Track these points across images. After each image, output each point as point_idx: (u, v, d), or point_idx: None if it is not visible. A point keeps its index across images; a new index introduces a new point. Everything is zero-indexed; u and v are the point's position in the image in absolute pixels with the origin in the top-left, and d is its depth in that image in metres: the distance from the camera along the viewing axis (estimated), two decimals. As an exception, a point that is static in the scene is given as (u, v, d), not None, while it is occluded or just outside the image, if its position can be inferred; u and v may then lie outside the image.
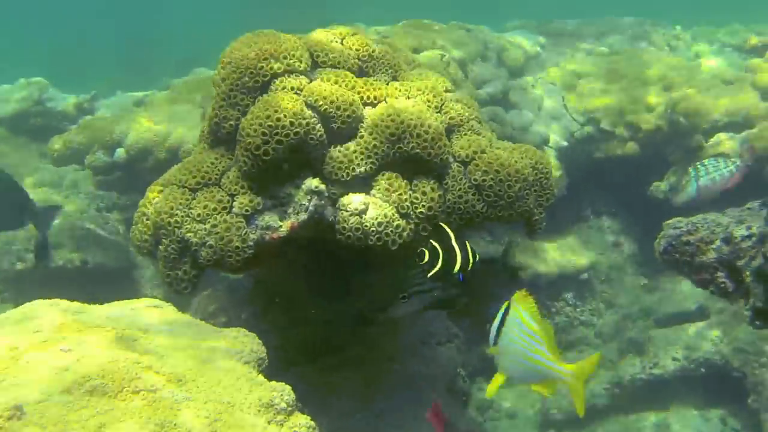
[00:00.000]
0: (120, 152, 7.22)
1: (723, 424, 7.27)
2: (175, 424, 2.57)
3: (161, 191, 4.33)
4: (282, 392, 2.93)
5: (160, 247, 4.27)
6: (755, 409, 6.75)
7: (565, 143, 8.44)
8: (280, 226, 4.13)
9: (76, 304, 3.51)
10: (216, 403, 2.75)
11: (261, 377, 3.10)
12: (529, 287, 3.54)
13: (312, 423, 2.96)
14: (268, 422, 2.80)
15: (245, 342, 3.28)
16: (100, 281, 7.09)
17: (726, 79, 8.42)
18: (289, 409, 2.92)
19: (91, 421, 2.48)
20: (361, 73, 4.59)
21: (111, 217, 7.95)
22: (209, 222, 4.07)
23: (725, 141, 7.76)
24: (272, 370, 4.34)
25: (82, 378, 2.68)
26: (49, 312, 3.34)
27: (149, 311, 3.47)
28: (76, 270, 7.27)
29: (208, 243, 4.06)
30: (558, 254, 8.26)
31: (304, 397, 4.85)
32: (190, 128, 7.01)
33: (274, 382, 3.02)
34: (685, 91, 8.26)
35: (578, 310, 8.36)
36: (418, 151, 4.18)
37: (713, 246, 4.13)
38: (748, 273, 3.90)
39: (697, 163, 4.10)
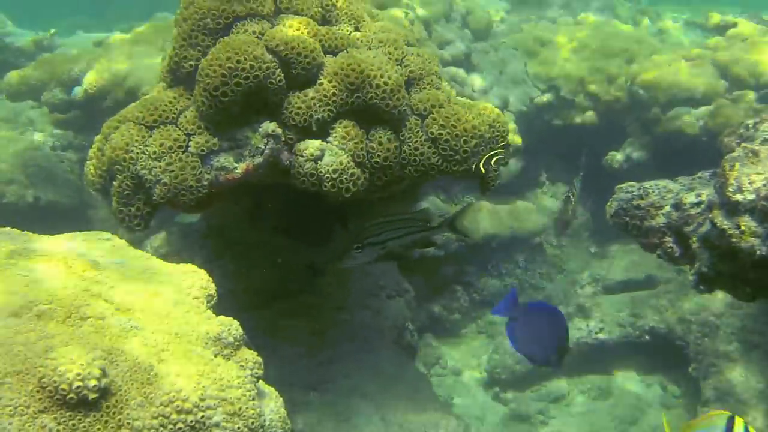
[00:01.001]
0: (78, 90, 7.15)
1: (663, 389, 7.41)
2: (122, 352, 2.59)
3: (117, 127, 4.31)
4: (230, 327, 2.96)
5: (114, 183, 4.25)
6: (695, 377, 6.88)
7: (525, 108, 8.49)
8: (236, 168, 4.13)
9: (27, 234, 3.50)
10: (164, 333, 2.77)
11: (210, 312, 3.12)
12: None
13: (259, 359, 2.99)
14: (215, 355, 2.82)
15: (195, 278, 3.29)
16: (52, 219, 7.02)
17: (687, 56, 8.48)
18: (237, 343, 2.95)
19: (38, 344, 2.50)
20: (323, 21, 4.58)
21: (66, 155, 7.89)
22: (164, 160, 4.07)
23: (683, 115, 7.84)
24: (222, 313, 4.37)
25: (30, 303, 2.69)
26: (-1, 239, 3.33)
27: (101, 243, 3.47)
28: (28, 206, 7.21)
29: (162, 180, 4.06)
30: (511, 217, 8.31)
31: (252, 342, 4.90)
32: (150, 70, 6.95)
33: (222, 317, 3.04)
34: (646, 64, 8.33)
35: (529, 273, 8.44)
36: (376, 101, 4.19)
37: (663, 211, 4.20)
38: (695, 239, 3.97)
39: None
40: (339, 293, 5.58)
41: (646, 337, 7.45)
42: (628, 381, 7.56)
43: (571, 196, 4.53)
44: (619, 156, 8.21)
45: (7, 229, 3.53)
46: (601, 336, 7.57)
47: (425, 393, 5.34)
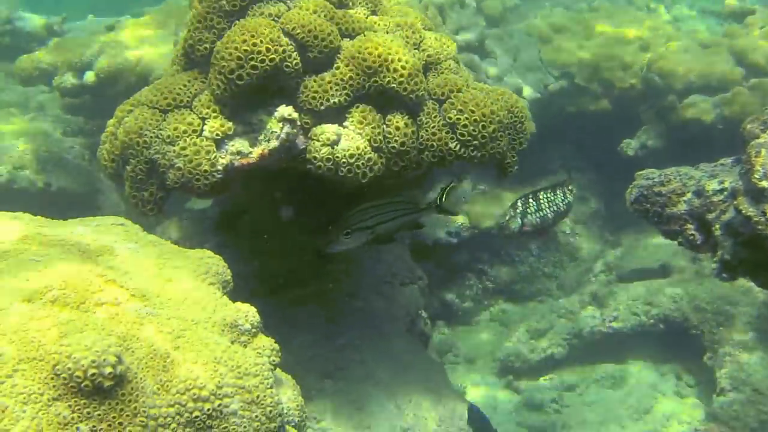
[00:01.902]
0: (89, 75, 7.10)
1: (677, 379, 7.36)
2: (137, 338, 2.54)
3: (131, 111, 4.26)
4: (247, 313, 2.91)
5: (128, 167, 4.21)
6: (710, 366, 6.85)
7: (539, 95, 8.43)
8: (251, 153, 4.08)
9: (40, 218, 3.46)
10: (180, 320, 2.72)
11: (226, 298, 3.07)
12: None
13: (276, 346, 2.95)
14: (232, 342, 2.77)
15: (210, 263, 3.24)
16: (62, 205, 7.00)
17: (703, 43, 8.41)
18: (254, 330, 2.90)
19: (52, 330, 2.45)
20: (340, 5, 4.52)
21: (77, 141, 7.84)
22: (178, 144, 4.02)
23: (699, 103, 7.78)
24: (235, 300, 4.32)
25: (44, 288, 2.64)
26: (11, 224, 3.29)
27: (115, 228, 3.42)
28: (38, 192, 7.18)
29: (176, 165, 4.01)
30: (525, 204, 8.25)
31: (265, 329, 4.86)
32: (162, 55, 6.91)
33: (239, 303, 2.99)
34: (662, 51, 8.25)
35: (542, 261, 8.40)
36: (393, 85, 4.13)
37: (684, 198, 4.13)
38: (717, 226, 3.91)
39: (531, 195, 4.01)
40: (352, 280, 5.53)
41: (661, 325, 7.41)
42: (642, 370, 7.52)
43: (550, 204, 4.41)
44: (633, 143, 8.15)
45: (20, 213, 3.49)
46: (615, 325, 7.52)
47: (439, 381, 5.30)
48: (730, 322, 6.89)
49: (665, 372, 7.46)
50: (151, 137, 4.09)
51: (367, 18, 4.47)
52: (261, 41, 3.96)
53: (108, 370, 2.33)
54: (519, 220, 4.09)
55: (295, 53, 4.08)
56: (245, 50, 3.94)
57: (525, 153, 7.31)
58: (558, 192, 4.08)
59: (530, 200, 4.08)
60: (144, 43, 7.31)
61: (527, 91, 8.34)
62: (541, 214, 4.04)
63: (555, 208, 4.07)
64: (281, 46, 4.00)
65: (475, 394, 7.37)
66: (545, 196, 4.09)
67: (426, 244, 7.62)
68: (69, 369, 2.31)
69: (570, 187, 4.09)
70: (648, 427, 6.95)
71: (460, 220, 7.80)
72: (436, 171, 5.12)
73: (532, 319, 7.89)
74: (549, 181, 8.21)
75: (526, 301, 8.32)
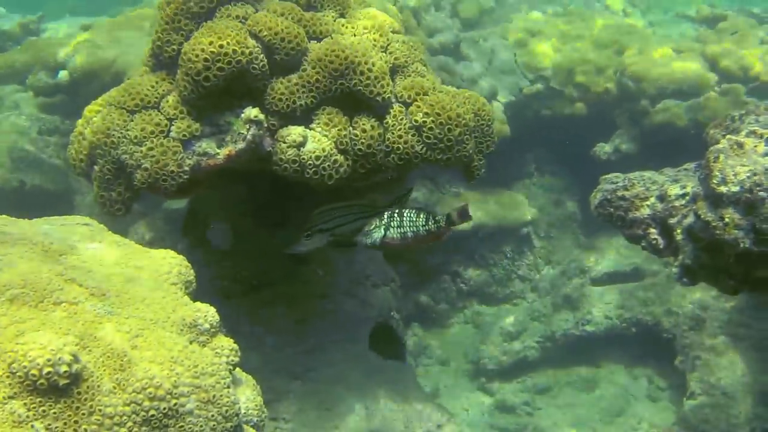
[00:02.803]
0: (63, 74, 7.10)
1: (649, 382, 7.41)
2: (95, 337, 2.56)
3: (99, 111, 4.27)
4: (206, 313, 2.92)
5: (96, 167, 4.22)
6: (681, 369, 6.88)
7: (514, 98, 8.46)
8: (217, 154, 4.10)
9: (4, 217, 3.46)
10: (138, 319, 2.74)
11: (186, 298, 3.08)
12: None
13: (235, 346, 2.95)
14: (190, 342, 2.79)
15: (173, 263, 3.26)
16: (37, 204, 6.98)
17: (677, 48, 8.46)
18: (213, 330, 2.91)
19: (9, 329, 2.46)
20: (308, 7, 4.54)
21: (52, 140, 7.82)
22: (146, 144, 4.03)
23: (672, 107, 7.83)
24: (206, 302, 4.33)
25: (3, 287, 2.64)
26: (-24, 223, 3.30)
27: (79, 228, 3.43)
28: (13, 191, 7.16)
29: (143, 165, 4.02)
30: (499, 207, 8.29)
31: (236, 330, 4.86)
32: (137, 55, 6.89)
33: (198, 303, 3.00)
34: (636, 56, 8.30)
35: (516, 263, 8.42)
36: (360, 88, 4.16)
37: (647, 203, 4.17)
38: (679, 231, 3.95)
39: (396, 212, 4.08)
40: (324, 281, 5.54)
41: (633, 329, 7.46)
42: (614, 373, 7.57)
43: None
44: (607, 147, 8.20)
45: (-15, 212, 3.49)
46: (588, 328, 7.56)
47: (409, 383, 5.32)
48: (701, 326, 6.92)
49: (638, 375, 7.51)
50: (119, 137, 4.10)
51: (335, 21, 4.49)
52: (228, 43, 3.97)
53: (63, 368, 2.34)
54: (382, 231, 4.13)
55: (262, 55, 4.09)
56: (212, 52, 3.95)
57: (500, 156, 7.34)
58: (422, 215, 4.14)
59: (395, 216, 4.13)
60: (119, 43, 7.31)
61: (502, 95, 8.37)
62: (402, 231, 4.09)
63: (414, 230, 4.13)
64: (248, 48, 4.01)
65: (448, 395, 7.39)
66: (409, 216, 4.14)
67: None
68: (24, 367, 2.32)
69: (437, 218, 4.15)
70: (620, 430, 6.99)
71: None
72: (411, 174, 5.15)
73: (506, 322, 7.91)
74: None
75: (500, 303, 8.35)
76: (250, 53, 4.03)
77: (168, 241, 5.62)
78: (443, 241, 4.40)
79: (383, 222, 4.15)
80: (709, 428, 6.42)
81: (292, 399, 4.90)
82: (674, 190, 4.02)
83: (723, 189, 3.50)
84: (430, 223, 4.17)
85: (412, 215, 4.16)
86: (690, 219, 3.85)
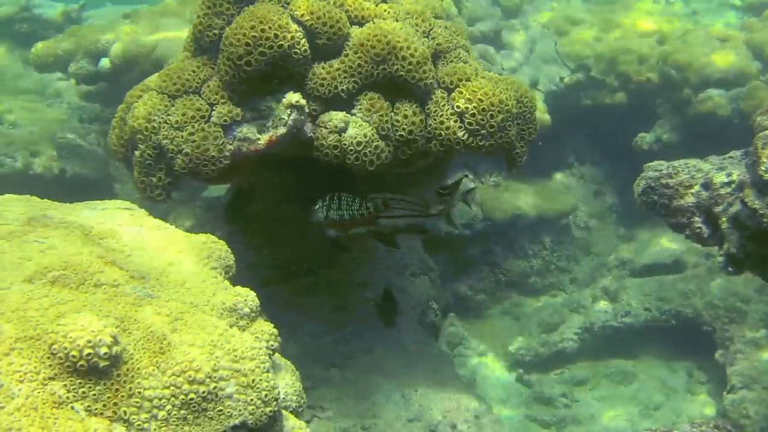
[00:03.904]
0: (104, 62, 7.13)
1: (689, 375, 7.32)
2: (135, 320, 2.55)
3: (140, 97, 4.27)
4: (246, 297, 2.90)
5: (136, 152, 4.22)
6: (722, 363, 6.80)
7: (554, 87, 8.40)
8: (258, 139, 4.08)
9: (47, 202, 3.48)
10: (178, 302, 2.73)
11: (227, 283, 3.07)
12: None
13: (275, 331, 2.94)
14: (230, 326, 2.77)
15: (213, 248, 3.25)
16: (77, 191, 7.01)
17: (721, 36, 8.35)
18: (253, 314, 2.90)
19: (50, 310, 2.46)
20: (351, -8, 4.51)
21: (93, 128, 7.87)
22: (186, 130, 4.02)
23: (715, 96, 7.73)
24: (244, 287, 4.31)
25: (45, 269, 2.65)
26: (18, 206, 3.31)
27: (120, 212, 3.43)
28: (54, 178, 7.22)
29: (184, 151, 4.02)
30: (539, 198, 8.24)
31: (275, 317, 4.85)
32: (177, 42, 6.91)
33: (239, 287, 2.99)
34: (678, 44, 8.20)
35: (555, 254, 8.36)
36: (402, 73, 4.13)
37: (692, 190, 4.12)
38: (724, 219, 3.89)
39: (335, 195, 4.11)
40: (363, 270, 5.53)
41: (673, 321, 7.36)
42: (653, 366, 7.48)
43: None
44: (648, 137, 8.11)
45: (27, 196, 3.51)
46: (626, 320, 7.49)
47: (447, 373, 5.29)
48: (742, 319, 6.84)
49: (676, 368, 7.42)
50: (160, 123, 4.10)
51: (376, 5, 4.45)
52: (269, 27, 3.95)
53: (103, 350, 2.34)
54: (324, 212, 4.17)
55: (303, 40, 4.07)
56: (254, 36, 3.94)
57: (540, 145, 7.30)
58: (356, 201, 4.17)
59: (335, 199, 4.18)
60: (159, 30, 7.33)
61: (543, 84, 8.31)
62: (340, 213, 4.13)
63: (350, 213, 4.17)
64: (290, 32, 3.99)
65: (486, 386, 7.36)
66: (346, 200, 4.18)
67: (439, 236, 7.60)
68: (65, 348, 2.32)
69: (369, 205, 4.18)
70: (657, 424, 6.91)
71: (474, 212, 7.77)
72: (452, 163, 5.12)
73: (544, 313, 7.86)
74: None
75: (539, 294, 8.30)
76: (292, 38, 4.01)
77: (207, 228, 5.58)
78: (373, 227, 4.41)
79: (326, 203, 4.21)
80: (749, 423, 6.34)
81: (330, 386, 4.89)
82: (720, 178, 3.96)
83: (771, 177, 3.45)
84: (363, 208, 4.21)
85: (348, 200, 4.20)
86: (736, 207, 3.79)
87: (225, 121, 4.06)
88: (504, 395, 7.34)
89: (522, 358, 7.58)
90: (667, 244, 7.88)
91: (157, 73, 4.40)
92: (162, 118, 4.10)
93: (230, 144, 4.07)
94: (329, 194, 4.21)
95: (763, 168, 3.46)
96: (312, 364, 4.98)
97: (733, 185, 3.87)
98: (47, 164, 7.23)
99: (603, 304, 7.67)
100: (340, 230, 4.34)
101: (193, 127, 4.04)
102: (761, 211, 3.49)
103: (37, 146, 7.30)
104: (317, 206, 4.24)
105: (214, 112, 4.08)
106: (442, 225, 4.71)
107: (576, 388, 7.41)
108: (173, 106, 4.13)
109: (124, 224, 3.31)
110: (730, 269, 3.87)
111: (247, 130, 4.09)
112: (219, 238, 5.00)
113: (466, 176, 4.53)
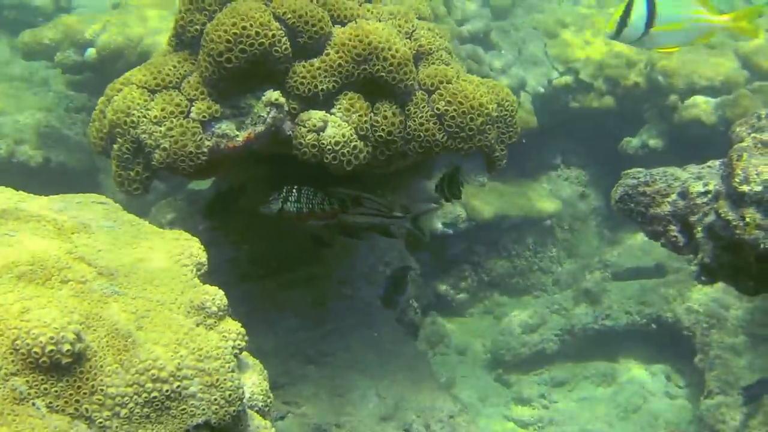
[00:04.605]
0: (90, 52, 7.12)
1: (668, 379, 7.35)
2: (100, 317, 2.55)
3: (120, 90, 4.27)
4: (215, 296, 2.90)
5: (115, 146, 4.22)
6: (701, 368, 6.82)
7: (542, 90, 8.40)
8: (237, 136, 4.09)
9: (22, 194, 3.46)
10: (145, 300, 2.72)
11: (196, 280, 3.07)
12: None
13: (242, 330, 2.93)
14: (197, 324, 2.77)
15: (186, 245, 3.24)
16: (62, 182, 6.99)
17: (709, 43, 8.36)
18: (220, 313, 2.89)
19: (15, 305, 2.45)
20: (333, -10, 4.51)
21: (79, 118, 7.85)
22: (165, 125, 4.02)
23: (701, 104, 7.75)
24: (223, 284, 4.31)
25: (12, 263, 2.64)
26: (-8, 197, 3.30)
27: (93, 206, 3.42)
28: (38, 167, 7.20)
29: (162, 145, 4.02)
30: (523, 199, 8.26)
31: (253, 312, 4.88)
32: (164, 34, 6.91)
33: (207, 286, 2.98)
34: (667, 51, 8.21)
35: (538, 255, 8.38)
36: (383, 74, 4.13)
37: (669, 199, 4.13)
38: (699, 229, 3.91)
39: (295, 188, 4.15)
40: (343, 267, 5.53)
41: (653, 325, 7.38)
42: (632, 369, 7.50)
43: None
44: (634, 142, 8.13)
45: (2, 187, 3.49)
46: (607, 323, 7.50)
47: (423, 372, 5.30)
48: (722, 325, 6.86)
49: (655, 372, 7.44)
50: (139, 117, 4.10)
51: (360, 5, 4.46)
52: (251, 25, 3.95)
53: (66, 347, 2.34)
54: (279, 204, 4.19)
55: (285, 38, 4.07)
56: (234, 33, 3.94)
57: (526, 147, 7.31)
58: (318, 195, 4.20)
59: (293, 192, 4.19)
60: (147, 22, 7.31)
61: (531, 85, 8.32)
62: (298, 206, 4.15)
63: (309, 206, 4.19)
64: (271, 30, 3.99)
65: (465, 385, 7.37)
66: (306, 193, 4.20)
67: (423, 240, 7.60)
68: (27, 344, 2.32)
69: (332, 200, 4.22)
70: (635, 427, 6.94)
71: (458, 211, 7.78)
72: (437, 162, 5.12)
73: (526, 314, 7.87)
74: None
75: (521, 295, 8.32)
76: (273, 36, 4.01)
77: (189, 222, 5.63)
78: (334, 222, 4.46)
79: (282, 195, 4.21)
80: (726, 428, 6.36)
81: (307, 383, 4.90)
82: (696, 188, 3.97)
83: (745, 188, 3.46)
84: (324, 203, 4.23)
85: (309, 193, 4.22)
86: (711, 217, 3.80)
87: (204, 117, 4.06)
88: (483, 395, 7.35)
89: (502, 358, 7.59)
90: (650, 249, 7.89)
91: (138, 67, 4.40)
92: (141, 112, 4.10)
93: (208, 140, 4.07)
94: (287, 186, 4.23)
95: (736, 180, 3.47)
96: (289, 359, 4.99)
97: (709, 195, 3.89)
98: (31, 153, 7.21)
99: (584, 307, 7.69)
100: (295, 222, 4.35)
101: (172, 122, 4.04)
102: (734, 223, 3.51)
103: (21, 134, 7.27)
104: (272, 197, 4.25)
105: (193, 108, 4.08)
106: (423, 231, 4.71)
107: (555, 389, 7.43)
108: (153, 100, 4.13)
109: (98, 219, 3.30)
110: (703, 278, 3.89)
111: (225, 127, 4.09)
112: (200, 232, 5.01)
113: (458, 168, 4.52)
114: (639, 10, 3.67)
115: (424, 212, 4.53)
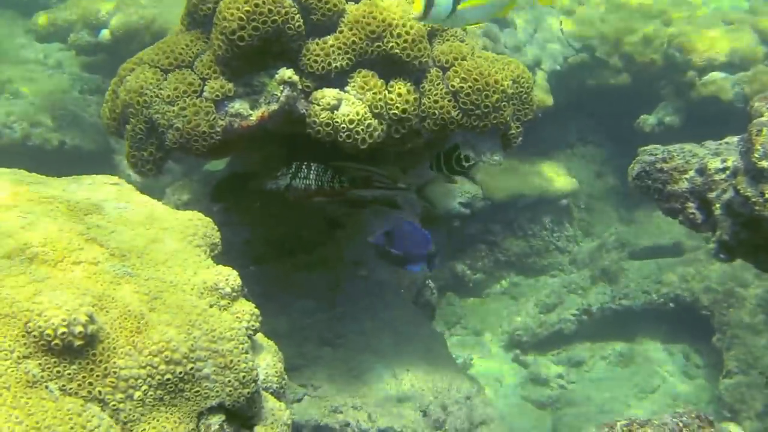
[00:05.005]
0: (104, 33, 7.10)
1: (686, 359, 7.31)
2: (112, 298, 2.52)
3: (133, 70, 4.24)
4: (228, 277, 2.87)
5: (128, 126, 4.19)
6: (719, 348, 6.78)
7: (558, 67, 8.34)
8: (250, 115, 4.05)
9: (35, 176, 3.45)
10: (158, 281, 2.70)
11: (210, 261, 3.04)
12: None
13: (256, 311, 2.91)
14: (210, 305, 2.75)
15: (199, 225, 3.21)
16: (77, 163, 6.97)
17: (728, 19, 8.28)
18: (234, 294, 2.87)
19: (27, 287, 2.43)
20: (348, -32, 4.46)
21: (93, 99, 7.85)
22: (178, 104, 3.99)
23: (719, 80, 7.68)
24: (238, 265, 4.28)
25: (24, 245, 2.62)
26: (4, 180, 3.27)
27: (107, 187, 3.40)
28: (53, 150, 7.19)
29: (175, 125, 3.98)
30: (539, 178, 8.21)
31: (268, 294, 4.85)
32: (176, 14, 6.88)
33: (220, 267, 2.96)
34: (684, 27, 8.14)
35: (555, 235, 8.34)
36: (397, 51, 4.08)
37: (686, 176, 4.07)
38: (718, 206, 3.85)
39: (305, 164, 4.10)
40: (358, 248, 5.49)
41: (671, 305, 7.33)
42: (650, 349, 7.46)
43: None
44: (651, 119, 8.06)
45: (15, 170, 3.47)
46: (625, 302, 7.46)
47: (439, 353, 5.27)
48: (740, 304, 6.82)
49: (674, 352, 7.40)
50: (152, 97, 4.06)
51: (374, -18, 4.41)
52: (263, 2, 3.90)
53: (78, 329, 2.31)
54: (288, 179, 4.15)
55: (297, 15, 4.02)
56: (247, 11, 3.89)
57: (542, 125, 7.24)
58: (328, 172, 4.16)
59: (303, 168, 4.16)
60: (161, 1, 7.28)
61: (546, 63, 8.26)
62: (307, 182, 4.11)
63: (319, 183, 4.16)
64: (284, 8, 3.95)
65: (482, 366, 7.35)
66: (316, 170, 4.16)
67: (438, 214, 7.58)
68: (40, 327, 2.29)
69: (342, 178, 4.19)
70: (653, 407, 6.91)
71: (474, 191, 7.74)
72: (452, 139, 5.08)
73: (543, 294, 7.83)
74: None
75: (538, 274, 8.28)
76: (286, 13, 3.96)
77: (204, 203, 5.60)
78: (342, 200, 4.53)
79: (291, 171, 4.19)
80: (744, 408, 6.32)
81: (322, 365, 4.87)
82: (714, 164, 3.91)
83: (765, 164, 3.40)
84: (334, 181, 4.20)
85: (319, 170, 4.20)
86: (729, 194, 3.74)
87: (217, 96, 4.03)
88: (500, 375, 7.33)
89: (519, 339, 7.56)
90: (668, 227, 7.83)
91: (150, 47, 4.36)
92: (154, 92, 4.07)
93: (222, 119, 4.03)
94: (296, 162, 4.21)
95: (756, 155, 3.41)
96: (304, 341, 4.96)
97: (727, 171, 3.83)
98: (47, 135, 7.20)
99: (602, 286, 7.65)
100: (301, 199, 4.33)
101: (185, 101, 4.00)
102: (753, 199, 3.45)
103: (36, 117, 7.26)
104: (280, 173, 4.22)
105: (206, 87, 4.05)
106: (431, 201, 4.69)
107: (573, 369, 7.40)
108: (165, 80, 4.09)
109: (110, 200, 3.28)
110: (722, 256, 3.83)
111: (239, 106, 4.05)
112: (215, 213, 4.98)
113: (458, 146, 4.46)
114: None
115: (429, 183, 4.48)
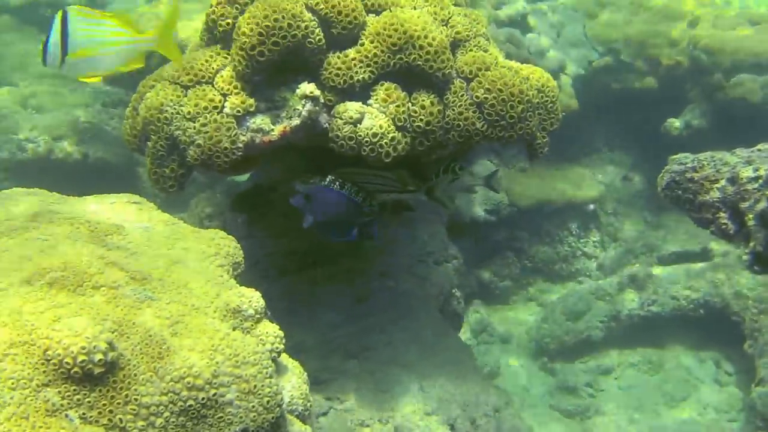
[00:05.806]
0: (125, 47, 7.08)
1: (717, 366, 7.22)
2: (133, 324, 2.49)
3: (153, 86, 4.21)
4: (251, 299, 2.83)
5: (149, 143, 4.16)
6: (750, 354, 6.69)
7: (583, 72, 8.29)
8: (272, 130, 4.01)
9: (55, 195, 3.43)
10: (179, 304, 2.66)
11: (232, 281, 3.00)
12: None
13: (280, 333, 2.86)
14: (233, 328, 2.71)
15: (221, 244, 3.18)
16: (100, 177, 7.02)
17: (755, 20, 8.19)
18: (257, 316, 2.82)
19: (46, 313, 2.40)
20: (367, -20, 4.42)
21: (116, 112, 7.85)
22: (199, 121, 3.95)
23: (747, 82, 7.59)
24: (262, 278, 4.24)
25: (44, 270, 2.59)
26: (24, 200, 3.26)
27: (128, 207, 3.37)
28: (76, 163, 7.20)
29: (196, 142, 3.95)
30: (566, 183, 8.15)
31: (292, 307, 4.81)
32: (197, 29, 6.86)
33: (243, 288, 2.92)
34: (710, 28, 8.06)
35: (582, 241, 8.28)
36: (419, 63, 4.04)
37: (718, 185, 4.00)
38: (751, 216, 3.78)
39: (338, 182, 4.05)
40: (383, 258, 5.46)
41: (701, 311, 7.25)
42: (680, 356, 7.38)
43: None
44: (677, 123, 7.98)
45: (36, 189, 3.46)
46: (653, 308, 7.38)
47: (467, 364, 5.21)
48: (772, 310, 6.74)
49: (704, 359, 7.31)
50: (172, 113, 4.03)
51: (394, -7, 4.37)
52: (283, 17, 3.87)
53: (98, 356, 2.28)
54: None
55: (318, 29, 3.98)
56: (267, 26, 3.86)
57: (567, 130, 7.18)
58: (360, 195, 4.15)
59: (336, 183, 4.16)
60: (181, 16, 7.26)
61: (571, 68, 8.20)
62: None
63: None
64: (304, 21, 3.91)
65: (509, 374, 7.29)
66: (348, 189, 4.15)
67: (463, 221, 7.54)
68: (59, 355, 2.26)
69: (372, 203, 4.17)
70: (684, 415, 6.83)
71: (500, 197, 7.70)
72: (477, 149, 5.03)
73: (570, 301, 7.75)
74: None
75: (565, 281, 8.22)
76: (306, 27, 3.92)
77: (227, 215, 5.58)
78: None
79: (325, 182, 4.16)
80: (779, 417, 6.24)
81: (349, 378, 4.83)
82: (746, 173, 3.84)
83: (798, 173, 3.33)
84: (365, 202, 4.17)
85: (352, 190, 4.15)
86: (763, 203, 3.67)
87: (238, 111, 3.99)
88: (527, 383, 7.28)
89: (546, 346, 7.50)
90: (696, 232, 7.74)
91: (169, 63, 4.33)
92: (174, 108, 4.03)
93: (243, 135, 3.99)
94: (314, 178, 4.18)
95: (789, 165, 3.35)
96: (330, 354, 4.92)
97: (760, 180, 3.75)
98: (70, 149, 7.21)
99: (629, 292, 7.57)
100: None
101: (206, 118, 3.96)
102: (787, 209, 3.39)
103: (59, 131, 7.27)
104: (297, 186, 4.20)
105: (227, 103, 4.01)
106: (443, 202, 4.64)
107: (601, 377, 7.32)
108: (186, 96, 4.06)
109: (132, 220, 3.25)
110: (756, 268, 3.76)
111: (260, 121, 4.01)
112: (238, 225, 4.95)
113: (455, 161, 4.40)
114: (54, 36, 3.42)
115: (438, 183, 4.42)
